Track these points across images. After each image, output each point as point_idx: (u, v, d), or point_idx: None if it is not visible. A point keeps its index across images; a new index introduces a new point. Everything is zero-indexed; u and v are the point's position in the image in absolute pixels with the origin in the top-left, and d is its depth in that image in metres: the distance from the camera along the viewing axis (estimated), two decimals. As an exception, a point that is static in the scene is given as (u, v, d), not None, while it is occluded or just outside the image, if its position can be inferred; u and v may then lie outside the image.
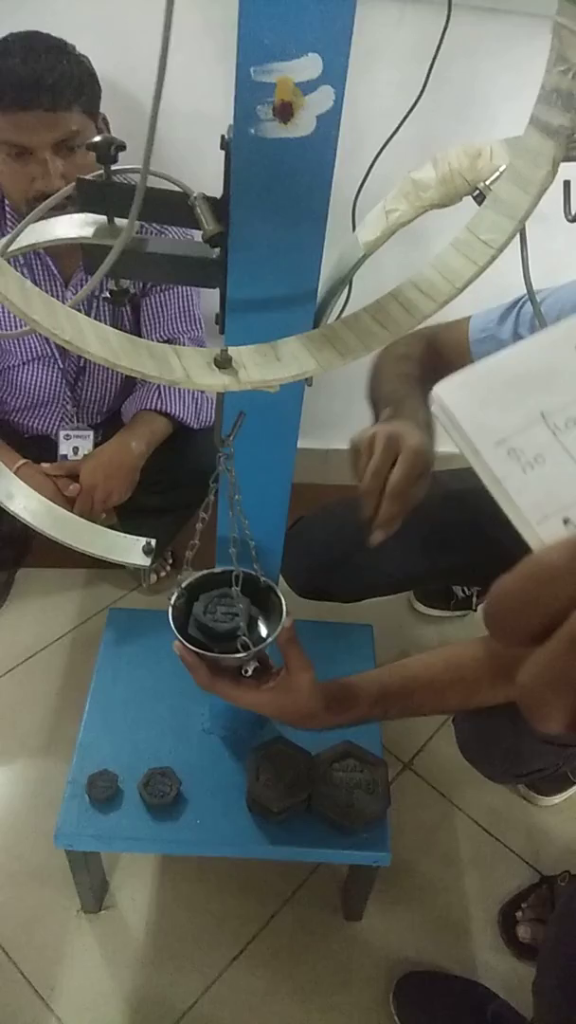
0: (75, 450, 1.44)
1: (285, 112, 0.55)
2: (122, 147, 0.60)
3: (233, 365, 0.59)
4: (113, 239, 0.61)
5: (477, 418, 0.26)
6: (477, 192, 0.59)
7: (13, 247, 0.63)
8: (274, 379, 0.58)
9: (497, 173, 0.58)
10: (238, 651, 0.75)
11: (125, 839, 1.01)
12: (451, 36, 0.93)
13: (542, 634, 0.22)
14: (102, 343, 0.53)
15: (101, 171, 0.61)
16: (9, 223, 1.22)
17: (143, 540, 0.91)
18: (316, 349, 0.60)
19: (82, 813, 0.99)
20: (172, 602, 0.78)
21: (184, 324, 1.37)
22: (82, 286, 1.28)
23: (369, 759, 1.02)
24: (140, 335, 1.35)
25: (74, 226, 0.64)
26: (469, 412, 0.26)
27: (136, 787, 1.01)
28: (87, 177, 0.60)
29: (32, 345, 1.32)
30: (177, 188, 0.62)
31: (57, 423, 1.44)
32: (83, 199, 0.62)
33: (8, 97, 1.03)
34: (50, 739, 1.39)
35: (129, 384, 1.43)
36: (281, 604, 0.79)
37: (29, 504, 0.86)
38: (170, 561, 1.75)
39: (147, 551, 0.90)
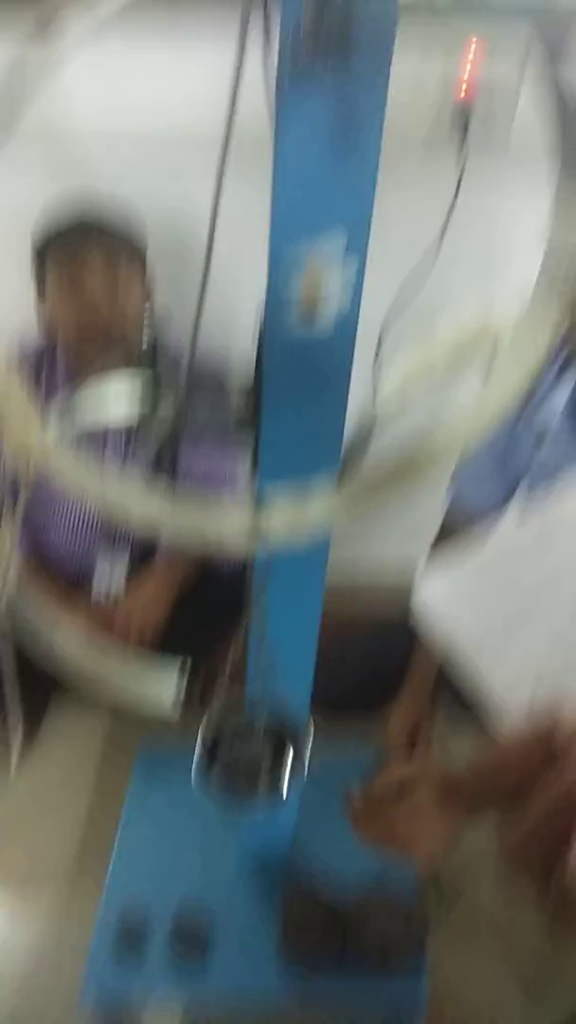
0: (110, 571, 1.48)
1: (311, 306, 0.63)
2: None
3: (262, 511, 0.64)
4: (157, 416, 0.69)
5: (456, 611, 0.29)
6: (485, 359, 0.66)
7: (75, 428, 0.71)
8: (302, 525, 0.63)
9: (503, 338, 0.64)
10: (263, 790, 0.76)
11: (152, 991, 0.97)
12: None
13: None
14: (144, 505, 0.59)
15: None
16: (60, 370, 1.33)
17: (175, 671, 0.93)
18: (342, 497, 0.66)
19: (110, 965, 0.96)
20: (200, 738, 0.79)
21: (219, 472, 1.44)
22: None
23: (403, 907, 0.98)
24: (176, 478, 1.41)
25: (122, 398, 0.72)
26: (450, 606, 0.30)
27: (165, 935, 0.98)
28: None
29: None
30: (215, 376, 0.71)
31: (93, 547, 1.50)
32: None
33: (68, 236, 1.21)
34: (77, 876, 1.35)
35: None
36: (307, 741, 0.81)
37: (67, 644, 0.89)
38: (202, 687, 1.75)
39: (180, 676, 0.92)
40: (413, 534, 1.46)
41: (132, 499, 0.60)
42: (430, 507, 1.29)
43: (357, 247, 0.61)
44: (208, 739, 0.81)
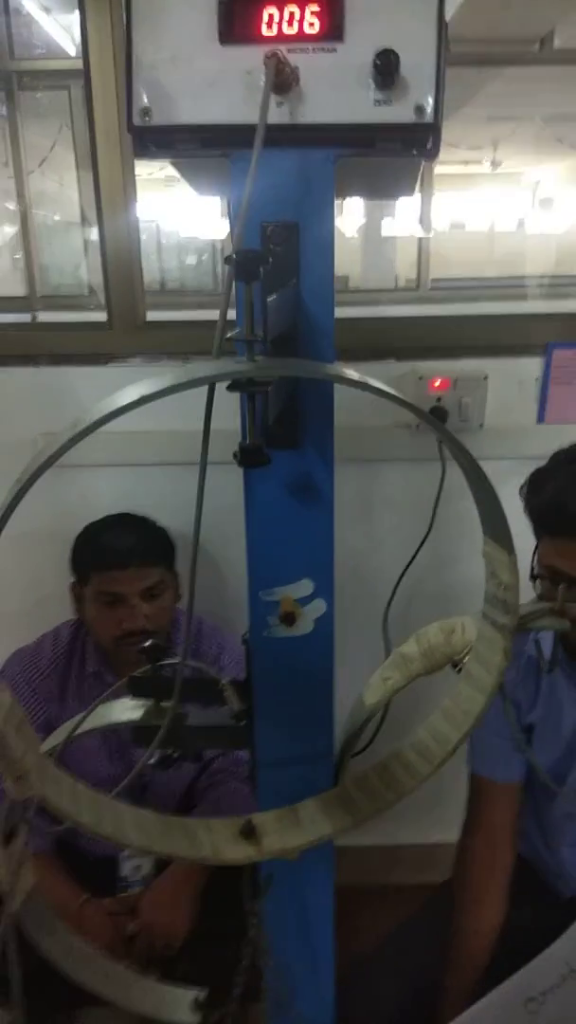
0: (136, 869, 1.44)
1: (289, 619, 0.70)
2: (162, 651, 0.76)
3: (257, 833, 0.66)
4: (159, 719, 0.74)
5: None
6: (455, 663, 0.71)
7: (78, 731, 0.76)
8: (293, 847, 0.64)
9: (468, 647, 0.70)
10: None
11: None
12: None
13: None
14: (139, 830, 0.62)
15: (149, 667, 0.77)
16: (88, 664, 1.40)
17: (192, 993, 0.89)
18: (331, 813, 0.68)
19: None
20: None
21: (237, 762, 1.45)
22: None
23: None
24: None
25: (127, 710, 0.77)
26: None
27: None
28: (136, 674, 0.75)
29: (101, 777, 1.41)
30: (208, 674, 0.76)
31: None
32: (134, 689, 0.76)
33: (107, 562, 1.31)
34: None
35: (188, 800, 1.48)
36: None
37: (82, 958, 0.87)
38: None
39: (196, 1006, 0.88)
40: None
41: (123, 826, 0.63)
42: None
43: (324, 591, 0.69)
44: None
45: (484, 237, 7.66)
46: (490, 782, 1.23)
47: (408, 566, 1.46)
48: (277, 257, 0.56)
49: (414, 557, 1.46)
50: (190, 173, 0.71)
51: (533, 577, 1.07)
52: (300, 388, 0.63)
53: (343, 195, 0.62)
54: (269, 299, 0.50)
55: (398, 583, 1.46)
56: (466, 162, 7.07)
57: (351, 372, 0.53)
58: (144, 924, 1.25)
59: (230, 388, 0.51)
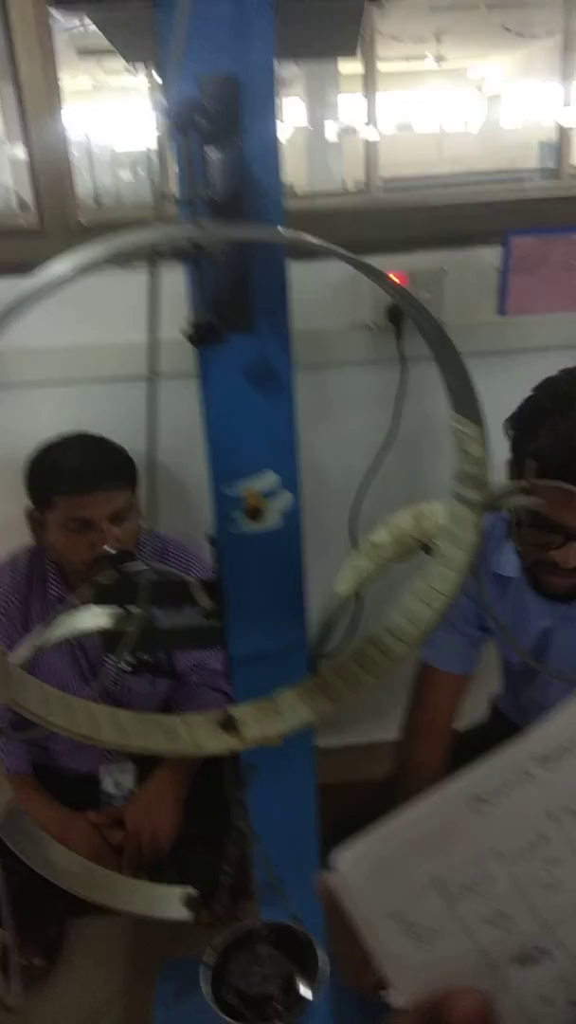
0: (117, 784, 1.46)
1: (255, 514, 0.68)
2: (132, 556, 0.74)
3: (237, 725, 0.66)
4: (129, 624, 0.73)
5: (374, 890, 0.28)
6: (426, 546, 0.70)
7: (43, 642, 0.74)
8: (275, 734, 0.64)
9: (438, 531, 0.69)
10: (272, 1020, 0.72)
11: None
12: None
13: None
14: (116, 728, 0.61)
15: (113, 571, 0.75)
16: (51, 589, 1.38)
17: (183, 891, 0.91)
18: (310, 699, 0.68)
19: None
20: (207, 964, 0.76)
21: (212, 661, 1.46)
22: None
23: None
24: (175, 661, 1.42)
25: (94, 617, 0.76)
26: (366, 884, 0.28)
27: None
28: (101, 580, 0.73)
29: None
30: (177, 577, 0.75)
31: (98, 760, 1.49)
32: (100, 597, 0.74)
33: (72, 484, 1.27)
34: None
35: (165, 710, 1.50)
36: (320, 958, 0.78)
37: (69, 867, 0.88)
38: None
39: (188, 903, 0.90)
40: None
41: (99, 725, 0.62)
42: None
43: (290, 483, 0.67)
44: (215, 964, 0.78)
45: (433, 138, 7.42)
46: (436, 669, 1.29)
47: (373, 467, 1.45)
48: (215, 113, 0.52)
49: (379, 459, 1.45)
50: (114, 32, 0.65)
51: (516, 524, 1.05)
52: (250, 266, 0.60)
53: (283, 53, 0.57)
54: (209, 152, 0.46)
55: (363, 485, 1.45)
56: (409, 58, 6.77)
57: (309, 236, 0.50)
58: (130, 832, 1.27)
59: (177, 257, 0.47)
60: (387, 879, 0.28)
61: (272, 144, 0.56)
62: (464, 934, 0.27)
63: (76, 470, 1.29)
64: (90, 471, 1.29)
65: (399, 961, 0.27)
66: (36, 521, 1.36)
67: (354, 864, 0.28)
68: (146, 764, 1.42)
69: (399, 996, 0.27)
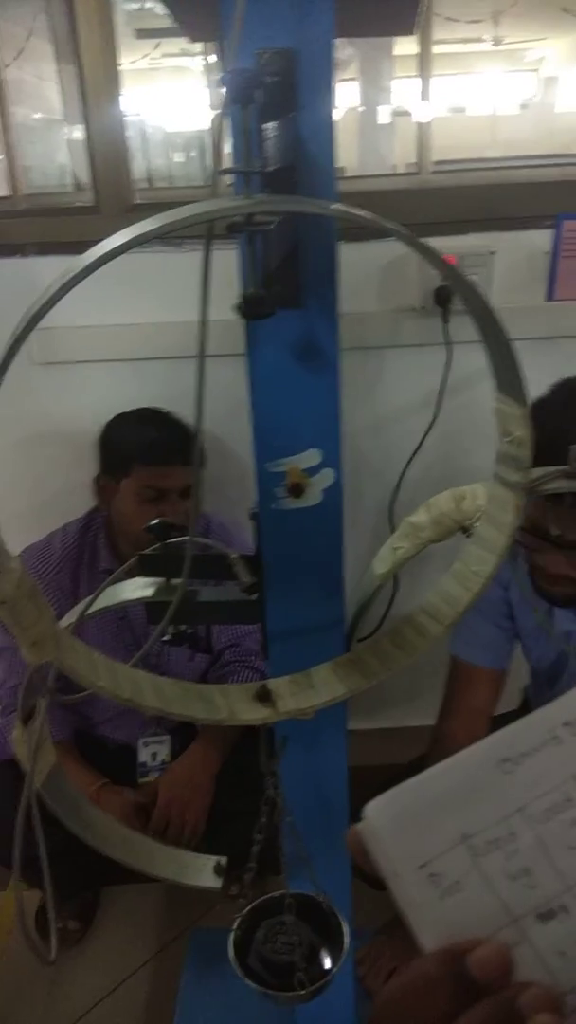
0: (153, 756, 1.49)
1: (296, 490, 0.69)
2: (177, 528, 0.75)
3: (272, 697, 0.67)
4: (171, 596, 0.74)
5: (401, 841, 0.29)
6: (465, 528, 0.70)
7: (90, 611, 0.76)
8: (308, 707, 0.65)
9: (479, 513, 0.69)
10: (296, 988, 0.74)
11: None
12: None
13: None
14: (157, 694, 0.63)
15: (159, 544, 0.76)
16: (100, 563, 1.41)
17: (214, 859, 0.93)
18: (344, 675, 0.68)
19: None
20: (234, 932, 0.78)
21: (251, 636, 1.47)
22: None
23: None
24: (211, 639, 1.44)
25: (138, 588, 0.77)
26: (394, 834, 0.29)
27: None
28: (146, 551, 0.75)
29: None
30: (219, 551, 0.76)
31: (137, 730, 1.52)
32: (144, 566, 0.76)
33: (154, 455, 1.32)
34: None
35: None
36: (344, 931, 0.79)
37: (106, 831, 0.90)
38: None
39: (218, 871, 0.91)
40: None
41: (141, 690, 0.64)
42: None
43: (332, 460, 0.67)
44: (242, 932, 0.80)
45: (486, 121, 7.26)
46: (471, 666, 1.26)
47: (416, 452, 1.45)
48: (273, 87, 0.52)
49: (421, 443, 1.45)
50: (179, 9, 0.66)
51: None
52: (301, 243, 0.60)
53: (342, 31, 0.57)
54: (265, 127, 0.46)
55: (405, 468, 1.45)
56: (466, 40, 6.62)
57: (358, 210, 0.50)
58: (163, 803, 1.30)
59: (229, 229, 0.48)
60: (414, 830, 0.29)
61: (327, 121, 0.56)
62: (487, 889, 0.28)
63: (158, 442, 1.33)
64: (172, 444, 1.33)
65: (423, 911, 0.28)
66: (105, 488, 1.39)
67: (382, 813, 0.29)
68: (182, 738, 1.45)
69: (426, 943, 0.28)
